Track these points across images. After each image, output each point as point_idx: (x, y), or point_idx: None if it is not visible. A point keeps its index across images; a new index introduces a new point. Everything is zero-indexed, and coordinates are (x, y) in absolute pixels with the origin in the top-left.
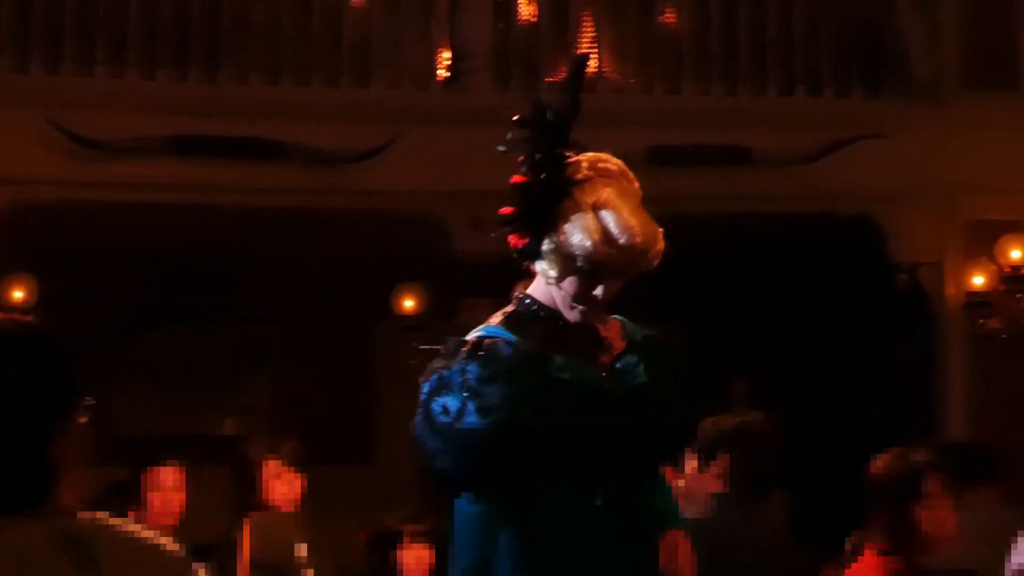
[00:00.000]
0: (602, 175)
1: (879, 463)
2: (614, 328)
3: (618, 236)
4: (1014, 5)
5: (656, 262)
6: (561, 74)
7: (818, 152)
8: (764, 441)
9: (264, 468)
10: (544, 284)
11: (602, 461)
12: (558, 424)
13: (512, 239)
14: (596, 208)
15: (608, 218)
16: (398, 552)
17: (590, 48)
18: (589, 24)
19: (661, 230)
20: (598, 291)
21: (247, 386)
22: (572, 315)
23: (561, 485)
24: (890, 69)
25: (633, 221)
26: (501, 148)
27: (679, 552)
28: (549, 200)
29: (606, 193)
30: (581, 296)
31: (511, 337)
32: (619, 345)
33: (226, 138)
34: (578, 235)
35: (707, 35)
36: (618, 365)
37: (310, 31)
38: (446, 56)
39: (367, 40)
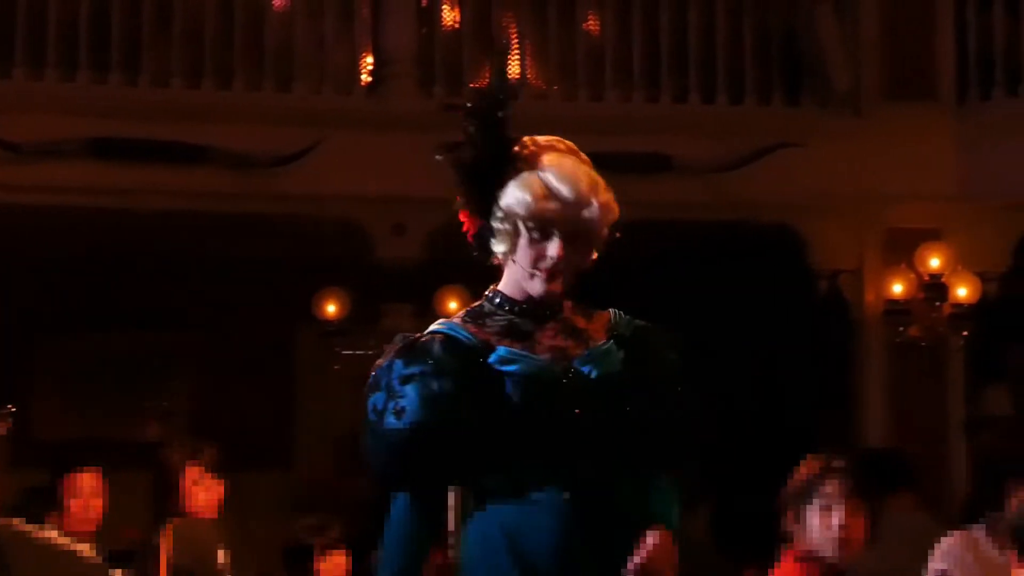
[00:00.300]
0: (548, 149)
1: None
2: (600, 320)
3: (559, 188)
4: (933, 16)
5: (607, 215)
6: (484, 80)
7: (738, 160)
8: None
9: (185, 474)
10: (511, 279)
11: (558, 454)
12: (489, 420)
13: (467, 227)
14: (538, 170)
15: (549, 174)
16: (316, 562)
17: (513, 55)
18: (512, 31)
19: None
20: (551, 250)
21: (167, 391)
22: (534, 288)
23: (519, 480)
24: (810, 78)
25: (576, 172)
26: (438, 157)
27: (656, 549)
28: (493, 171)
29: (549, 157)
30: (535, 260)
31: (458, 332)
32: (600, 337)
33: (146, 141)
34: (519, 193)
35: (629, 42)
36: (586, 355)
37: (232, 34)
38: (369, 61)
39: (290, 44)
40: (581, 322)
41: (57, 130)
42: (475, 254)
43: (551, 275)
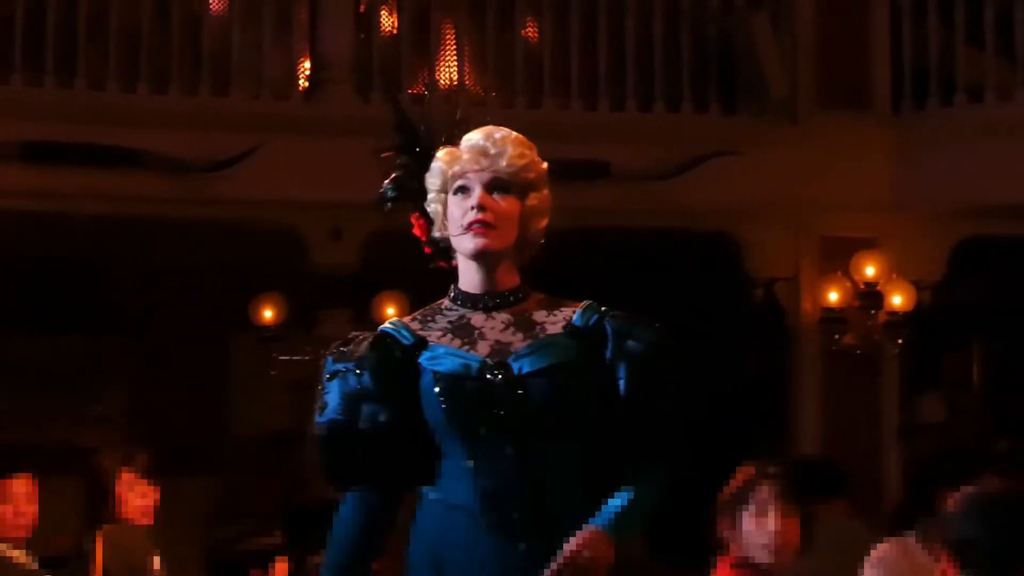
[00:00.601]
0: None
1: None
2: (566, 312)
3: (467, 140)
4: (869, 26)
5: (529, 162)
6: (421, 87)
7: (676, 168)
8: None
9: (118, 480)
10: (463, 271)
11: (478, 456)
12: (407, 420)
13: (419, 234)
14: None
15: (461, 141)
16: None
17: (451, 61)
18: (450, 37)
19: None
20: (472, 199)
21: (100, 396)
22: (465, 247)
23: (443, 485)
24: (747, 87)
25: (486, 127)
26: (383, 154)
27: (579, 549)
28: (422, 167)
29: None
30: (461, 217)
31: (398, 330)
32: (556, 330)
33: (81, 145)
34: (435, 166)
35: (567, 50)
36: (522, 350)
37: (169, 38)
38: (307, 66)
39: (226, 48)
40: (541, 315)
41: None
42: (431, 263)
43: (479, 228)
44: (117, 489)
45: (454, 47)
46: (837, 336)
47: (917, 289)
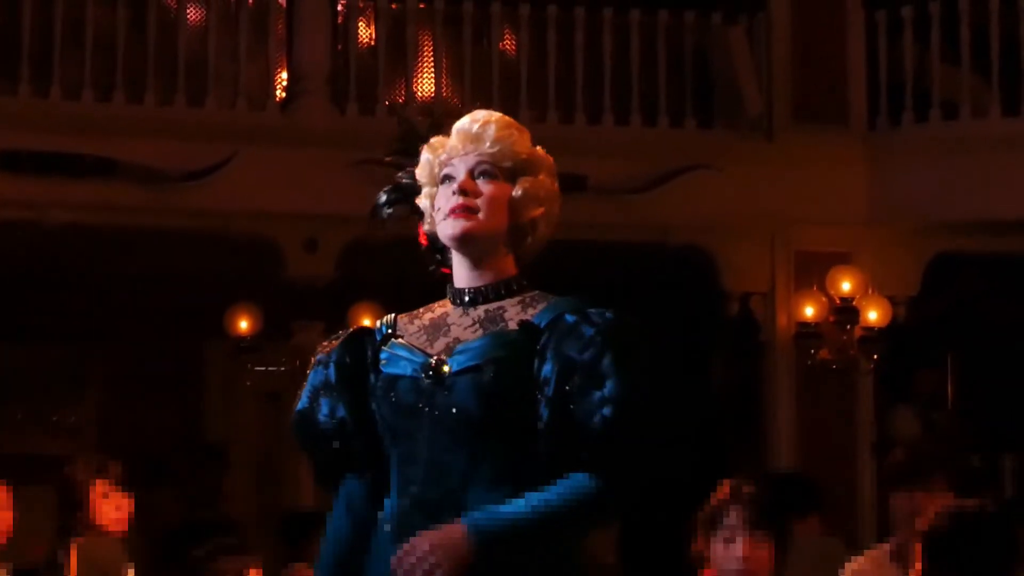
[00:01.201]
0: None
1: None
2: (538, 308)
3: (453, 128)
4: (844, 42)
5: (514, 143)
6: (398, 98)
7: (651, 182)
8: None
9: (92, 489)
10: (455, 265)
11: (405, 459)
12: (354, 417)
13: (424, 242)
14: None
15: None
16: None
17: (428, 73)
18: (428, 49)
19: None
20: (455, 183)
21: (73, 405)
22: (445, 231)
23: (389, 485)
24: (722, 102)
25: (473, 112)
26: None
27: (436, 546)
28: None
29: None
30: (445, 203)
31: (381, 326)
32: (512, 326)
33: (55, 154)
34: (423, 157)
35: (544, 63)
36: (458, 348)
37: (145, 47)
38: (283, 77)
39: (203, 58)
40: (515, 311)
41: None
42: (436, 270)
43: (460, 212)
44: (91, 499)
45: (431, 59)
46: (812, 351)
47: (892, 304)
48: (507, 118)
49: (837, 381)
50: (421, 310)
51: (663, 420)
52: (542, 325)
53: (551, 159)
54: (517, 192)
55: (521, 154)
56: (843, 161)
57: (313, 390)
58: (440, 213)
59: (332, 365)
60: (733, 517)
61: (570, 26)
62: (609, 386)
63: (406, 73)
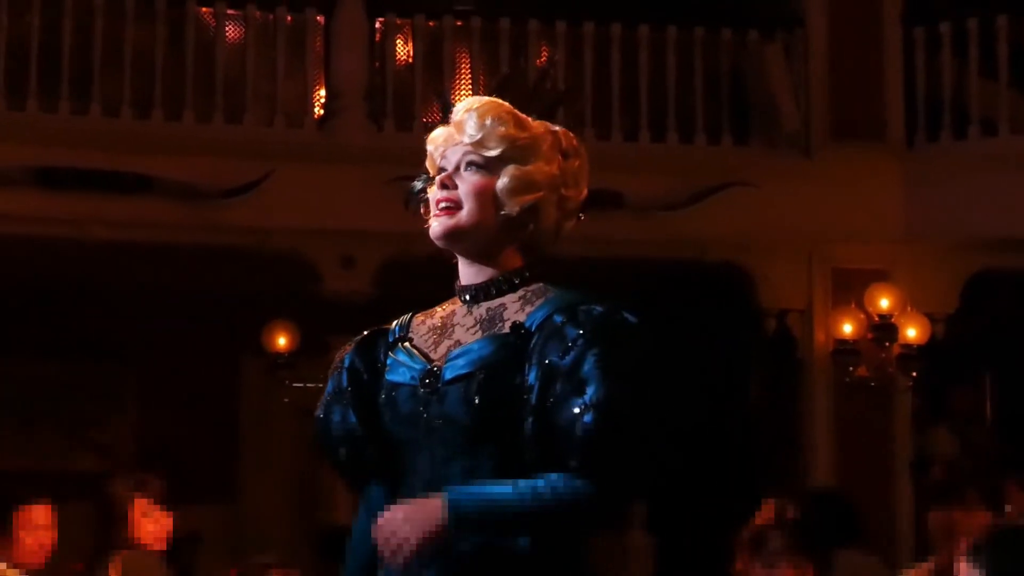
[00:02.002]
0: None
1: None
2: (536, 306)
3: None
4: (882, 58)
5: (486, 130)
6: (434, 115)
7: (688, 198)
8: None
9: (133, 506)
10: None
11: (400, 466)
12: (363, 424)
13: None
14: None
15: None
16: None
17: (465, 90)
18: (465, 66)
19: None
20: (445, 160)
21: (111, 421)
22: (433, 231)
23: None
24: (759, 119)
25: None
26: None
27: (410, 517)
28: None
29: None
30: (432, 203)
31: (396, 326)
32: (507, 327)
33: (94, 171)
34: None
35: (581, 79)
36: (451, 354)
37: (183, 65)
38: (321, 94)
39: (241, 76)
40: (514, 309)
41: (4, 158)
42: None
43: (443, 209)
44: (132, 515)
45: (468, 76)
46: (850, 368)
47: (930, 321)
48: (495, 102)
49: (875, 399)
50: (438, 307)
51: (649, 422)
52: (533, 327)
53: (557, 137)
54: (503, 181)
55: (510, 139)
56: (881, 178)
57: (328, 397)
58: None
59: (344, 372)
60: (776, 541)
61: (606, 43)
62: (590, 392)
63: (443, 90)
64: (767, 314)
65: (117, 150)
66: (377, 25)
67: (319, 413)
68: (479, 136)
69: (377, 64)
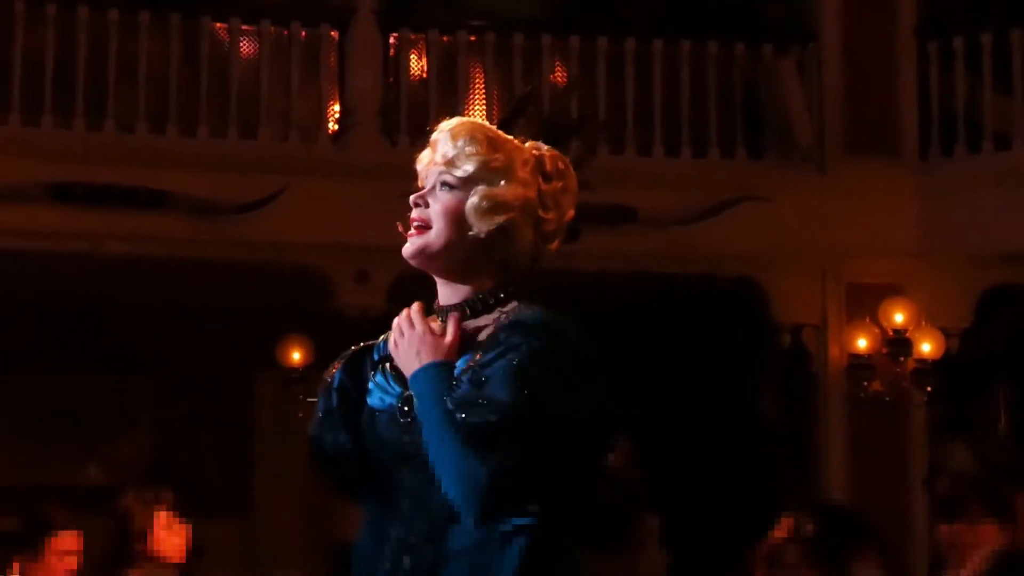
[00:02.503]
0: None
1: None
2: (489, 330)
3: None
4: (896, 72)
5: (456, 150)
6: None
7: (702, 213)
8: None
9: (154, 518)
10: None
11: (393, 490)
12: (358, 444)
13: None
14: None
15: None
16: None
17: (479, 106)
18: (479, 82)
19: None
20: (426, 180)
21: (125, 437)
22: (405, 251)
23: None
24: (773, 133)
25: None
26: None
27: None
28: None
29: None
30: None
31: (381, 344)
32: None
33: (109, 186)
34: None
35: (594, 94)
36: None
37: (197, 80)
38: (335, 109)
39: (255, 91)
40: (487, 332)
41: (20, 174)
42: None
43: (414, 229)
44: (152, 528)
45: (482, 91)
46: (865, 383)
47: (945, 336)
48: (472, 122)
49: (889, 413)
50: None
51: (541, 424)
52: (481, 343)
53: (540, 159)
54: (472, 201)
55: (482, 160)
56: (895, 192)
57: (320, 416)
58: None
59: (334, 392)
60: (793, 556)
61: (620, 58)
62: (489, 389)
63: (457, 105)
64: (781, 329)
65: (132, 166)
66: (391, 41)
67: (312, 432)
68: (451, 156)
69: (391, 79)
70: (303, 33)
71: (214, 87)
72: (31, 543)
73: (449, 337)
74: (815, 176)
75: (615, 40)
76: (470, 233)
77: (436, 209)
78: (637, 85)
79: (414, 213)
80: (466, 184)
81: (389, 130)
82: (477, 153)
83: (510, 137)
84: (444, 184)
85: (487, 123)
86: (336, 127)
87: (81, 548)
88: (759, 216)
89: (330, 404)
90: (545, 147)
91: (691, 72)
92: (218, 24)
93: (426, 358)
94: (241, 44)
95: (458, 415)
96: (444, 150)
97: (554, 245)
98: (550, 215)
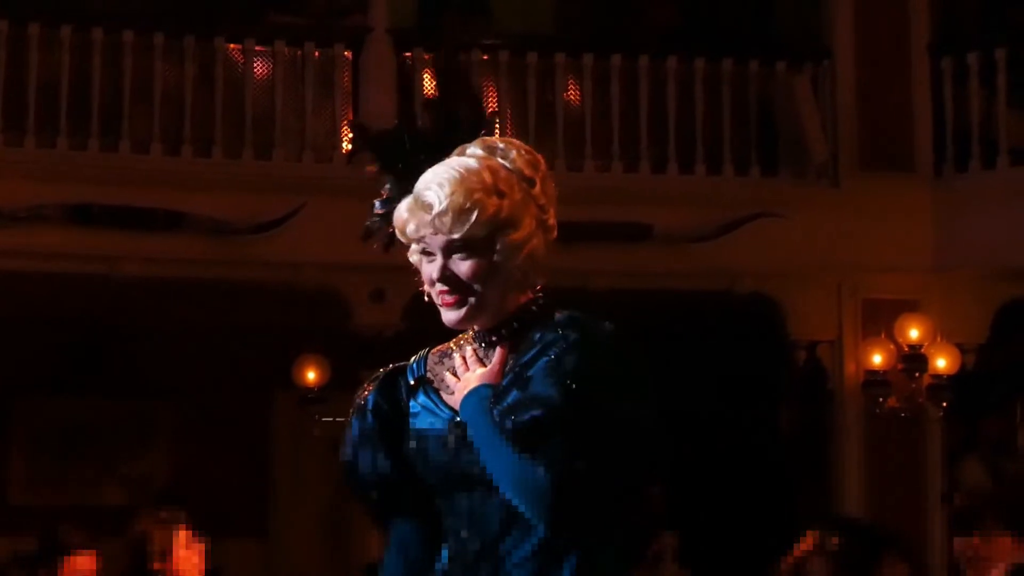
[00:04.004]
0: None
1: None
2: (532, 345)
3: (415, 196)
4: (910, 89)
5: (473, 213)
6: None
7: (717, 230)
8: None
9: (171, 539)
10: None
11: (450, 511)
12: (394, 470)
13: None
14: None
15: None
16: None
17: (492, 125)
18: (491, 100)
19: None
20: (432, 271)
21: (143, 456)
22: (446, 319)
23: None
24: (788, 149)
25: (428, 174)
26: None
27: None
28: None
29: None
30: (429, 286)
31: (413, 367)
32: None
33: (125, 208)
34: (395, 217)
35: (608, 112)
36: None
37: (212, 101)
38: (349, 129)
39: (270, 112)
40: (522, 351)
41: (36, 196)
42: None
43: (447, 299)
44: (173, 547)
45: (496, 110)
46: (880, 399)
47: (961, 352)
48: (459, 179)
49: (905, 429)
50: (453, 346)
51: (584, 426)
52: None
53: (518, 170)
54: (499, 256)
55: (489, 220)
56: (910, 208)
57: (355, 440)
58: (431, 294)
59: (369, 414)
60: (818, 568)
61: (634, 75)
62: (532, 388)
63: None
64: (797, 345)
65: (147, 186)
66: (405, 60)
67: (346, 455)
68: (464, 228)
69: (405, 99)
70: (317, 53)
71: (229, 108)
72: (48, 563)
73: (495, 364)
74: (830, 192)
75: (629, 58)
76: (502, 276)
77: (466, 274)
78: (651, 103)
79: (441, 287)
80: (484, 243)
81: None
82: (484, 214)
83: (475, 163)
84: (458, 250)
85: (466, 165)
86: (351, 146)
87: (99, 568)
88: (774, 232)
89: (366, 425)
90: (511, 153)
91: (705, 89)
92: (232, 45)
93: (473, 384)
94: (255, 65)
95: (506, 423)
96: (451, 225)
97: (555, 233)
98: (549, 211)
